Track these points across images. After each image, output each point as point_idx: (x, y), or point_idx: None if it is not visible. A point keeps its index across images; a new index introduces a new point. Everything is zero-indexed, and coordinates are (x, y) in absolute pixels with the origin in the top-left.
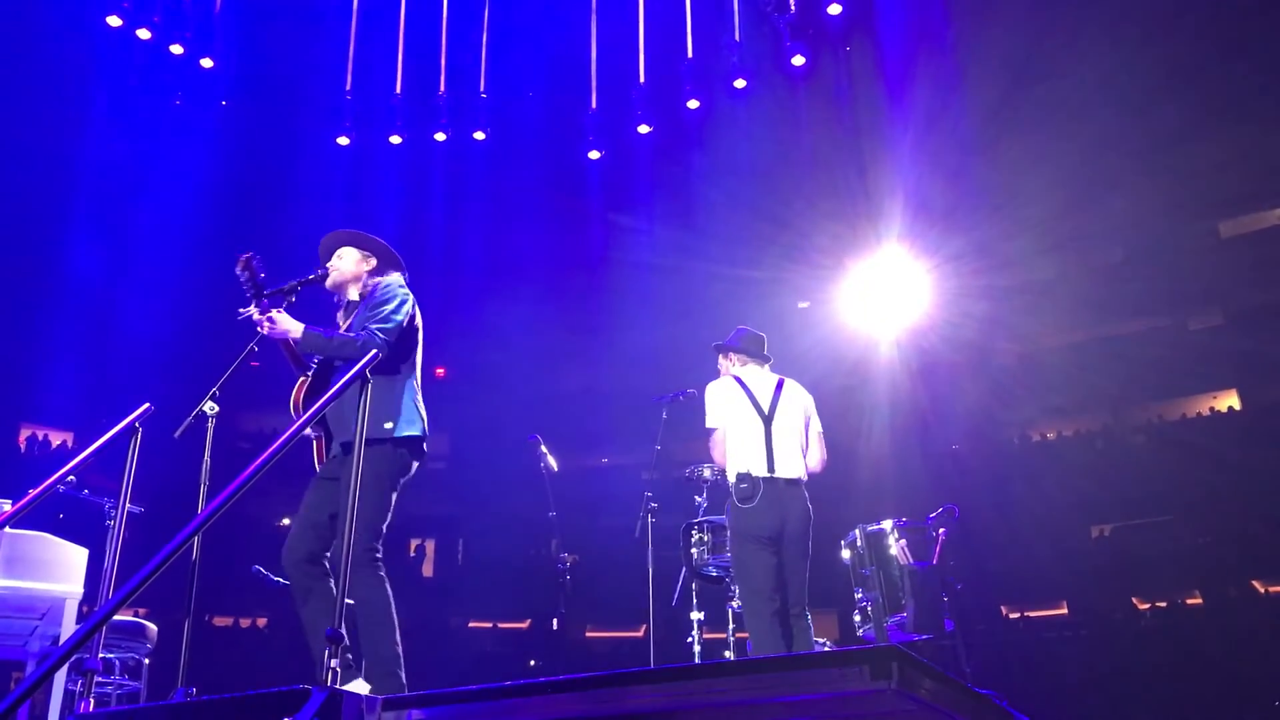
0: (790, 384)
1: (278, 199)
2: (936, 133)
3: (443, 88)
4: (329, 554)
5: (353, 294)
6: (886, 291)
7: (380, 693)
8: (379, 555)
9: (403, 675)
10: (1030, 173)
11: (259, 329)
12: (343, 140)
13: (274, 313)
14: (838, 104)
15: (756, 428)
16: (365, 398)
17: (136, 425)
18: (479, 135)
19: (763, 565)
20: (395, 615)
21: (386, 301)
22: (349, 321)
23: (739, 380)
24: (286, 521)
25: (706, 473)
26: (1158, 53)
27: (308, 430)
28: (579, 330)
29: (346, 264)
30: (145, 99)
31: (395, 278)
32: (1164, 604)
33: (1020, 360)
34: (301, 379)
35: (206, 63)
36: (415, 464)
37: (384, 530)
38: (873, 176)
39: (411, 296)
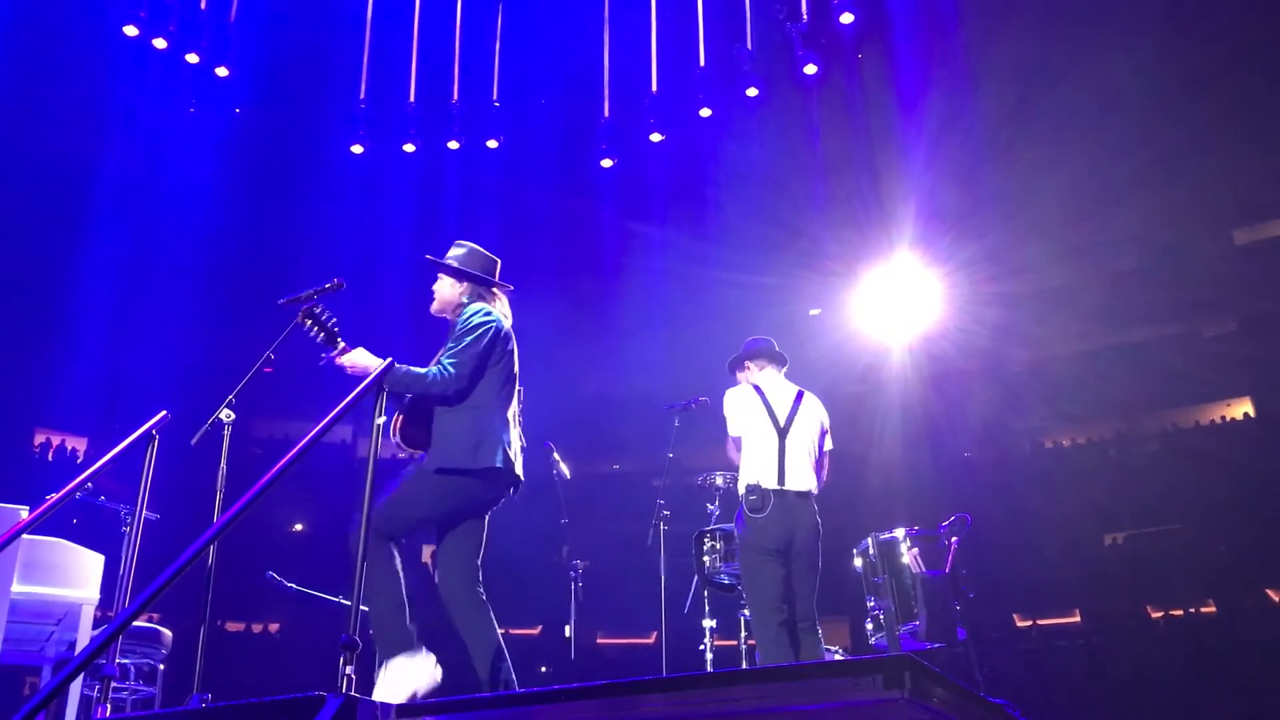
0: (809, 398)
1: (292, 207)
2: (949, 140)
3: (456, 96)
4: (471, 582)
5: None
6: (898, 298)
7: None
8: (392, 542)
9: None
10: (1043, 180)
11: (345, 371)
12: (357, 148)
13: (348, 355)
14: (850, 112)
15: (770, 439)
16: (380, 404)
17: (154, 432)
18: (492, 144)
19: (771, 576)
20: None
21: (464, 335)
22: None
23: (758, 389)
24: (300, 527)
25: (719, 480)
26: (1172, 60)
27: (400, 452)
28: (591, 337)
29: (444, 290)
30: (162, 108)
31: (480, 306)
32: (1178, 612)
33: (1032, 367)
34: (399, 411)
35: (221, 71)
36: (508, 490)
37: (407, 530)
38: (885, 184)
39: (496, 326)
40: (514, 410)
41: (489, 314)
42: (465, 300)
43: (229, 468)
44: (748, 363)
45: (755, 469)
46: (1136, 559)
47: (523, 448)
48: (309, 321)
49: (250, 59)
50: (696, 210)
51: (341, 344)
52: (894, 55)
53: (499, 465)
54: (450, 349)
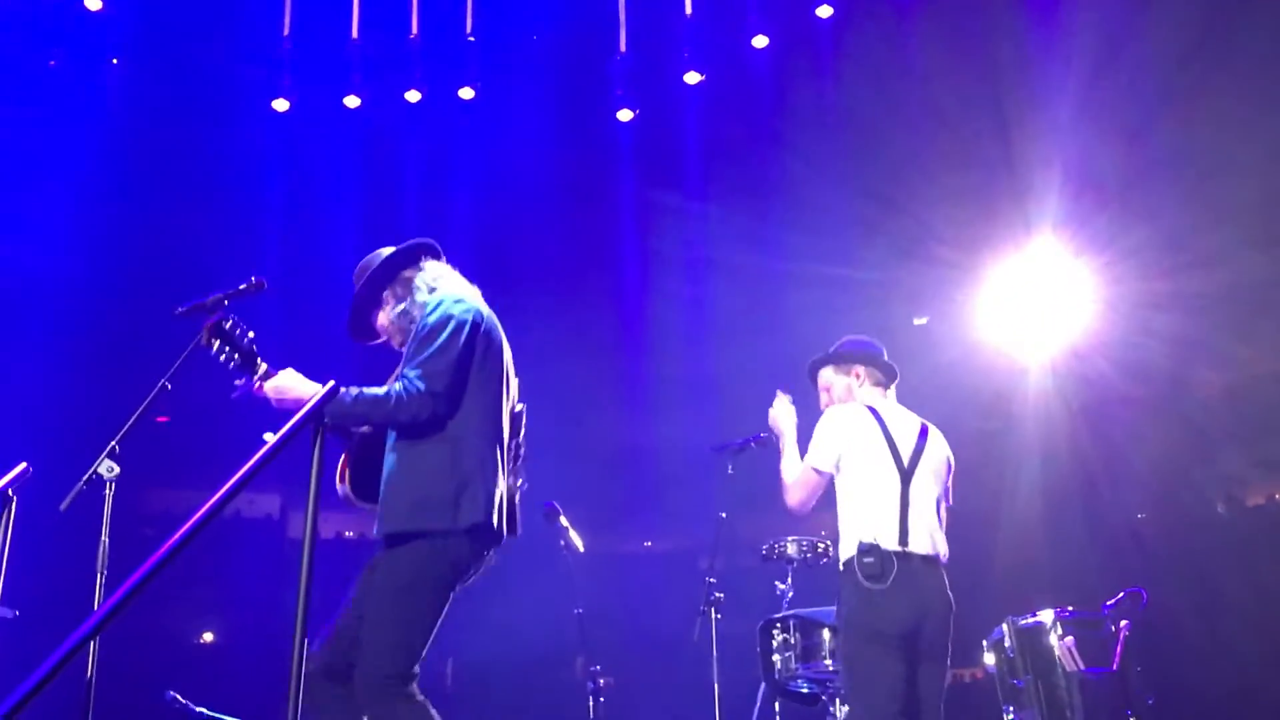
0: (935, 433)
1: (194, 188)
2: (1107, 84)
3: (415, 30)
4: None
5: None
6: (1037, 301)
7: None
8: (406, 684)
9: None
10: (1237, 140)
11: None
12: (280, 104)
13: (273, 380)
14: (967, 41)
15: (892, 484)
16: (318, 445)
17: (10, 493)
18: (466, 93)
19: (888, 674)
20: None
21: (430, 335)
22: None
23: (875, 413)
24: (210, 637)
25: (791, 548)
26: None
27: (348, 497)
28: (609, 362)
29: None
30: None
31: (448, 294)
32: None
33: (1228, 394)
34: (345, 452)
35: (94, 4)
36: (487, 553)
37: (420, 652)
38: (1019, 142)
39: (475, 315)
40: (506, 437)
41: (460, 300)
42: (416, 287)
43: (113, 550)
44: (856, 368)
45: (870, 523)
46: None
47: (520, 490)
48: (216, 341)
49: None
50: (752, 178)
51: (263, 366)
52: None
53: (481, 521)
54: (415, 357)
